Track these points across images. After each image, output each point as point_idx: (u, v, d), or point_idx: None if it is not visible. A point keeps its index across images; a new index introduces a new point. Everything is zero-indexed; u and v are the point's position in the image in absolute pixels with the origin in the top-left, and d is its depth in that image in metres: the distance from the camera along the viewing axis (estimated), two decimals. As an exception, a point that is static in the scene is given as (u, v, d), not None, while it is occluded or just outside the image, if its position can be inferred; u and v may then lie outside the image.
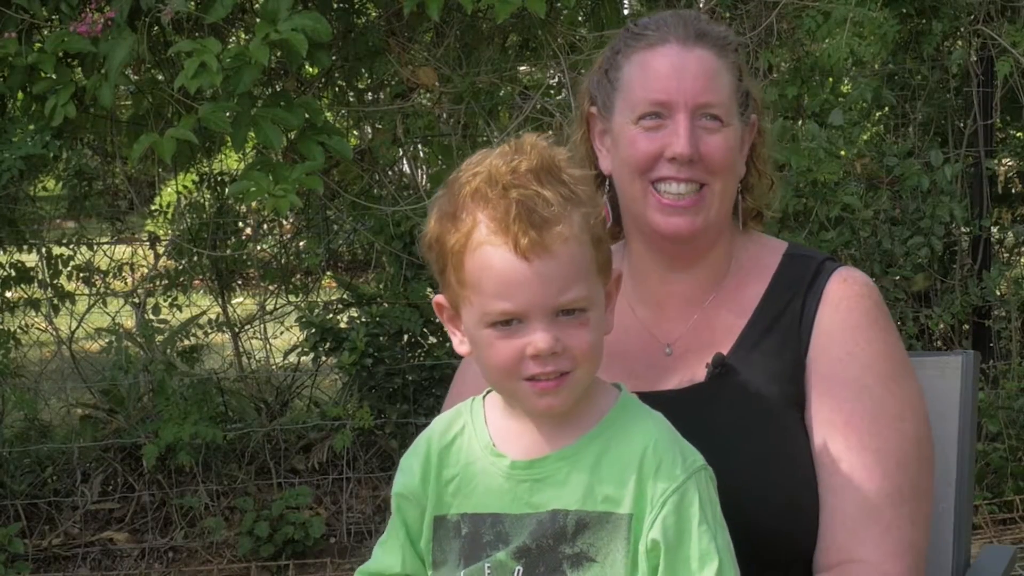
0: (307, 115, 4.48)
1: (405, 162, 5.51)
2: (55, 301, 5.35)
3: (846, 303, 2.00)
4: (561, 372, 1.67)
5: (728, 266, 2.09)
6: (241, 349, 5.63)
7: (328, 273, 5.98)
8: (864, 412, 1.93)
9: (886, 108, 5.41)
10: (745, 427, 1.95)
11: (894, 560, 1.88)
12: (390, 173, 5.43)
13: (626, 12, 5.27)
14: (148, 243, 5.84)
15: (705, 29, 2.02)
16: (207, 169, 5.58)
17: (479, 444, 1.76)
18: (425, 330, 5.24)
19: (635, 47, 2.02)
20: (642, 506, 1.68)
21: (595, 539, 1.68)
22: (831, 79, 4.99)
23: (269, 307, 5.78)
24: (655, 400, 1.80)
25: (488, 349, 1.69)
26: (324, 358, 5.38)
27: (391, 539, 1.82)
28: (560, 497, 1.70)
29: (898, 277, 5.18)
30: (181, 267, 5.59)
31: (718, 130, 1.98)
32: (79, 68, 4.57)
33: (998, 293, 5.32)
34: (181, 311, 5.56)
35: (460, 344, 1.76)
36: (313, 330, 5.22)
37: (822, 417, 1.94)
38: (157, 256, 5.75)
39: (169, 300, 5.53)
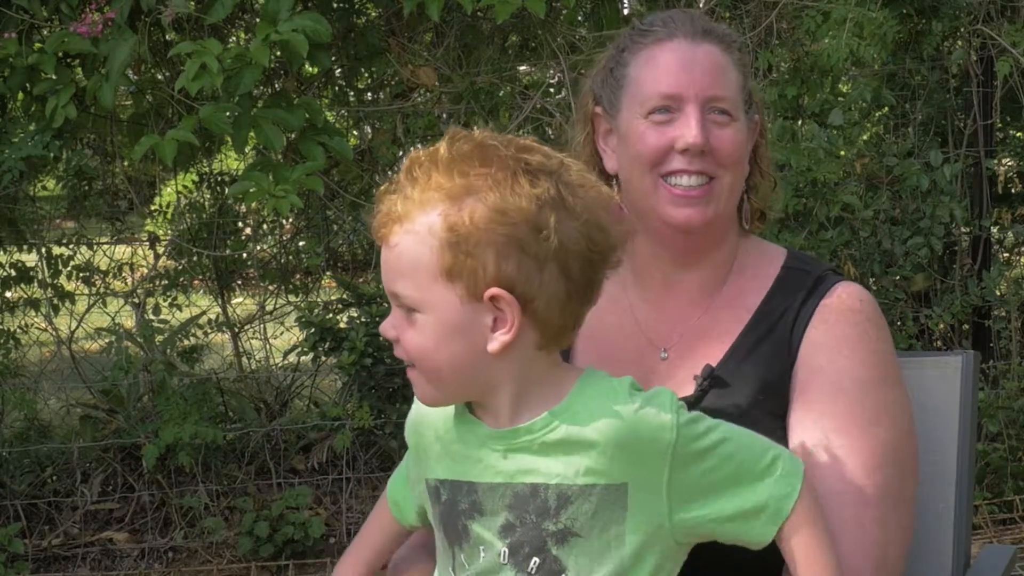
0: (307, 115, 4.48)
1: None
2: (55, 301, 5.34)
3: (835, 316, 2.01)
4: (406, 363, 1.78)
5: (730, 269, 2.09)
6: (241, 349, 5.63)
7: (328, 273, 5.98)
8: (836, 414, 1.92)
9: (886, 108, 5.40)
10: None
11: (853, 556, 1.84)
12: (390, 173, 5.43)
13: (626, 12, 5.27)
14: (148, 243, 5.84)
15: (710, 26, 2.05)
16: (207, 169, 5.57)
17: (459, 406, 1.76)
18: (425, 330, 5.22)
19: (642, 43, 2.04)
20: (640, 473, 1.65)
21: (578, 513, 1.64)
22: (831, 79, 4.99)
23: (269, 307, 5.77)
24: None
25: None
26: (324, 358, 5.37)
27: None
28: (536, 469, 1.67)
29: (898, 277, 5.18)
30: (181, 267, 5.59)
31: (728, 124, 2.01)
32: (79, 68, 4.56)
33: (998, 293, 5.31)
34: (181, 311, 5.56)
35: None
36: (313, 330, 5.22)
37: (794, 419, 1.94)
38: (157, 256, 5.74)
39: (169, 300, 5.52)
